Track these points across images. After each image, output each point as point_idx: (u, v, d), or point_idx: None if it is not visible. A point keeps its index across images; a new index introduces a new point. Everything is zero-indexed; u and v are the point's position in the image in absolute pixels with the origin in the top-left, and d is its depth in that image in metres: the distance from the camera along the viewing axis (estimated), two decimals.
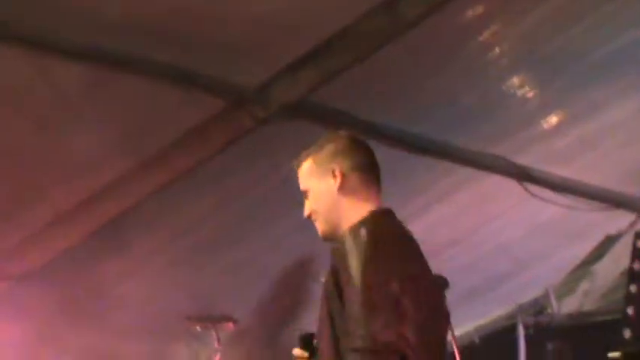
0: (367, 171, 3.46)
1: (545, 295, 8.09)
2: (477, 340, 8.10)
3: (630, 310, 5.32)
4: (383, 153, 5.59)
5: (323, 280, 3.29)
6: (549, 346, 7.88)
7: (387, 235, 3.30)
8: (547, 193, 6.50)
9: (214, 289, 6.58)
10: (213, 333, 6.13)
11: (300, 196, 3.39)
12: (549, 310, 8.06)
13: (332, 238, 3.34)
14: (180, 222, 6.00)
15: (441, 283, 6.46)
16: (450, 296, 6.40)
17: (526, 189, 6.40)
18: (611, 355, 4.97)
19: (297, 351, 3.42)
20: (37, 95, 4.44)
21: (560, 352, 7.83)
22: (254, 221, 6.05)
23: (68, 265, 5.90)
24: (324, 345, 3.20)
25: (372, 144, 5.58)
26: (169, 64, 4.65)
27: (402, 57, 4.92)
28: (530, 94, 5.71)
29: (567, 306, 8.05)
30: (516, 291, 7.93)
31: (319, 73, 4.85)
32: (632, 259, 5.24)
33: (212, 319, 6.19)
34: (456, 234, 6.78)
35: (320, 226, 3.40)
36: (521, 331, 8.09)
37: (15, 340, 6.33)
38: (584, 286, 8.04)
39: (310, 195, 3.44)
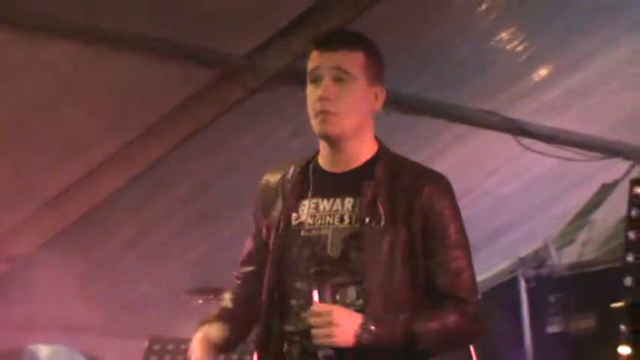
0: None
1: (545, 247, 8.11)
2: (479, 296, 8.10)
3: (630, 257, 5.34)
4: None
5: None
6: (551, 298, 7.90)
7: None
8: (542, 146, 6.50)
9: (213, 261, 6.58)
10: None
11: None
12: (549, 262, 8.08)
13: (340, 149, 3.07)
14: (176, 194, 6.00)
15: None
16: None
17: (520, 143, 6.39)
18: (613, 305, 4.98)
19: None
20: (31, 75, 4.43)
21: (562, 302, 7.85)
22: (251, 190, 6.04)
23: (68, 243, 5.91)
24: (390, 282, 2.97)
25: None
26: (157, 38, 4.63)
27: (390, 15, 4.89)
28: (520, 47, 5.69)
29: (567, 256, 8.07)
30: (516, 244, 7.95)
31: (309, 37, 4.81)
32: (630, 207, 5.25)
33: (214, 291, 6.18)
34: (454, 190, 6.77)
35: (336, 124, 3.03)
36: (522, 284, 8.11)
37: None
38: (582, 235, 8.06)
39: (351, 87, 3.03)
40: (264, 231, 3.20)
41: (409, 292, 3.02)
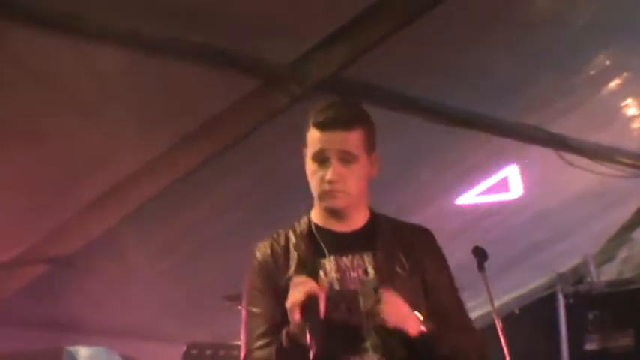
0: None
1: (584, 263, 8.07)
2: (516, 311, 8.09)
3: None
4: (418, 126, 5.65)
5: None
6: (590, 315, 7.86)
7: None
8: (584, 161, 6.48)
9: None
10: None
11: None
12: (588, 278, 8.05)
13: (344, 216, 3.19)
14: (216, 201, 6.04)
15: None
16: (489, 267, 6.47)
17: (562, 158, 6.38)
18: None
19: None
20: (78, 80, 4.49)
21: (600, 320, 7.81)
22: (289, 198, 6.07)
23: (108, 246, 5.97)
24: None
25: (408, 117, 5.60)
26: (204, 45, 4.68)
27: (435, 29, 4.91)
28: (564, 63, 5.69)
29: (606, 273, 8.04)
30: (555, 260, 7.92)
31: (352, 47, 4.85)
32: None
33: None
34: (494, 204, 6.78)
35: (344, 199, 3.15)
36: (561, 300, 8.08)
37: None
38: (622, 253, 8.03)
39: (356, 166, 3.15)
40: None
41: None
